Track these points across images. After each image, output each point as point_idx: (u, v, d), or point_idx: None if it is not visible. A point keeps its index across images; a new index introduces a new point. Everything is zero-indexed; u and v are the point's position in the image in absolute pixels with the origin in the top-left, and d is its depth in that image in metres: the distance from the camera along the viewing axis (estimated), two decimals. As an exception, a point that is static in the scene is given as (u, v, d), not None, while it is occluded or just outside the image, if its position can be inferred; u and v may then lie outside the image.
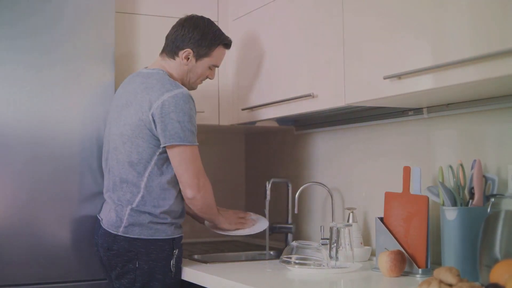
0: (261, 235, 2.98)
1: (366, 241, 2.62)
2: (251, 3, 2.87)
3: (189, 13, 2.64)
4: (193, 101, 2.45)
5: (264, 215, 2.86)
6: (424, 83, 1.91)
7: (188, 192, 2.45)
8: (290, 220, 3.00)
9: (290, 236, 2.99)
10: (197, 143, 2.45)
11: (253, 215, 2.81)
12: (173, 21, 2.65)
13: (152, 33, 2.86)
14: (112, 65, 2.66)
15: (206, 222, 2.74)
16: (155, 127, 2.39)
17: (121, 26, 2.82)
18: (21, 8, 2.54)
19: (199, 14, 2.64)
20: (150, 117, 2.39)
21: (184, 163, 2.43)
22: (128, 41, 2.87)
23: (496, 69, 1.67)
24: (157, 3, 2.91)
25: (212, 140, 3.54)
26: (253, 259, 2.90)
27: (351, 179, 2.78)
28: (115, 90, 2.65)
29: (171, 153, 2.42)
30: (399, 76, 1.98)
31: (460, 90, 1.95)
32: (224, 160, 3.59)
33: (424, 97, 2.12)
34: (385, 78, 2.01)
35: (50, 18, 2.59)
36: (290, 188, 3.01)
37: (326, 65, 2.35)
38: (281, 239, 3.09)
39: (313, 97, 2.40)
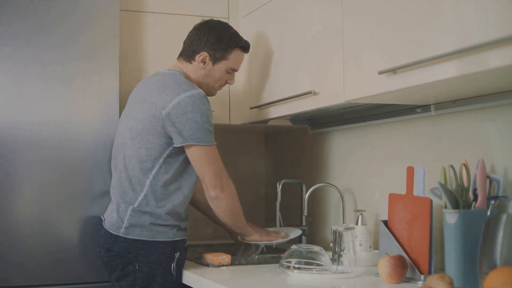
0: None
1: (377, 244, 2.51)
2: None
3: (199, 12, 2.64)
4: (209, 102, 2.42)
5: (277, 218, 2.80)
6: (420, 77, 1.80)
7: (211, 192, 2.42)
8: (304, 223, 2.91)
9: (304, 238, 2.89)
10: (215, 143, 2.41)
11: (285, 229, 2.78)
12: (180, 19, 2.62)
13: (158, 31, 2.82)
14: (117, 64, 2.63)
15: (239, 237, 2.70)
16: (170, 126, 2.35)
17: (126, 24, 2.78)
18: (25, 8, 2.53)
19: (209, 10, 2.64)
20: (165, 115, 2.34)
21: (205, 163, 2.39)
22: (134, 39, 2.82)
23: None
24: (163, 1, 2.86)
25: (232, 140, 3.47)
26: (265, 262, 2.82)
27: (365, 179, 2.67)
28: (120, 89, 2.62)
29: (190, 153, 2.39)
30: (394, 71, 1.87)
31: (459, 85, 1.83)
32: (245, 160, 3.52)
33: (428, 92, 2.00)
34: (380, 73, 1.91)
35: (54, 17, 2.57)
36: (304, 189, 2.91)
37: (326, 62, 2.26)
38: (295, 242, 2.98)
39: (315, 94, 2.31)
